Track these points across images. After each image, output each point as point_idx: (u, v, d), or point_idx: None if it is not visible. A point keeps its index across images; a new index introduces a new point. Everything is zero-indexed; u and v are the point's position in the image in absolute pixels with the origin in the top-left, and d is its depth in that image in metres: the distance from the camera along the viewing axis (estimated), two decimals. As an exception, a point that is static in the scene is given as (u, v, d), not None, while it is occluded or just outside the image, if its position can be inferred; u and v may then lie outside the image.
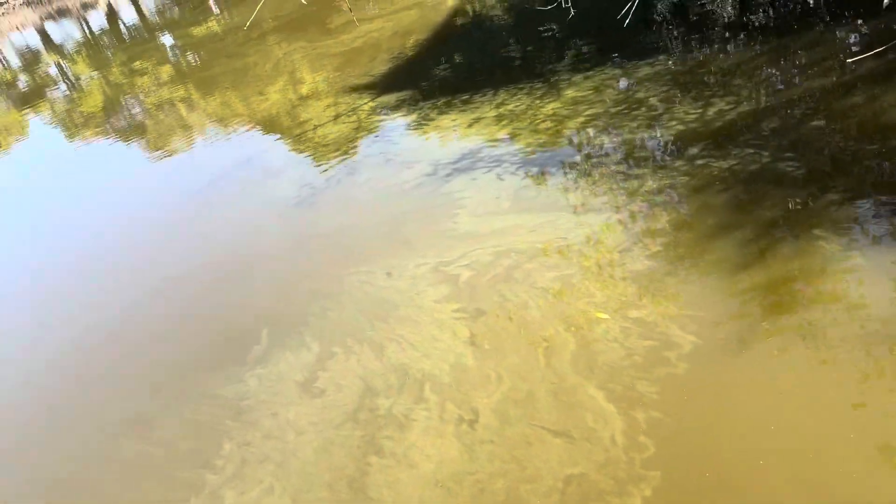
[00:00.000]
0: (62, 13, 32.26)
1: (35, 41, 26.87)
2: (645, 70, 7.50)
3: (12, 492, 4.64)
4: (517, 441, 3.76)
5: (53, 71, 20.59)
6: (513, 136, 7.02)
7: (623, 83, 7.35)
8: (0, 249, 8.68)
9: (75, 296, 6.82)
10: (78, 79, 18.17)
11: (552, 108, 7.33)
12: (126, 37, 22.67)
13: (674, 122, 6.31)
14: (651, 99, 6.84)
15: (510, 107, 7.70)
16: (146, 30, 22.66)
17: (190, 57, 16.48)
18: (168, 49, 18.45)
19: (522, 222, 5.56)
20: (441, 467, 3.76)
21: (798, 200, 4.92)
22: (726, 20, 8.47)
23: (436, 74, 9.66)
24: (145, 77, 15.47)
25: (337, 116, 9.16)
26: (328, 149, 8.29)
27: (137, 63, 17.07)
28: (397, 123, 8.36)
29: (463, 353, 4.47)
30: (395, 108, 8.79)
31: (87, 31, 26.27)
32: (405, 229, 6.01)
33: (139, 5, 28.04)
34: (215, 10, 21.62)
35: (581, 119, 6.91)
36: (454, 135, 7.52)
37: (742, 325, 4.02)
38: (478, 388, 4.17)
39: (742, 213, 4.96)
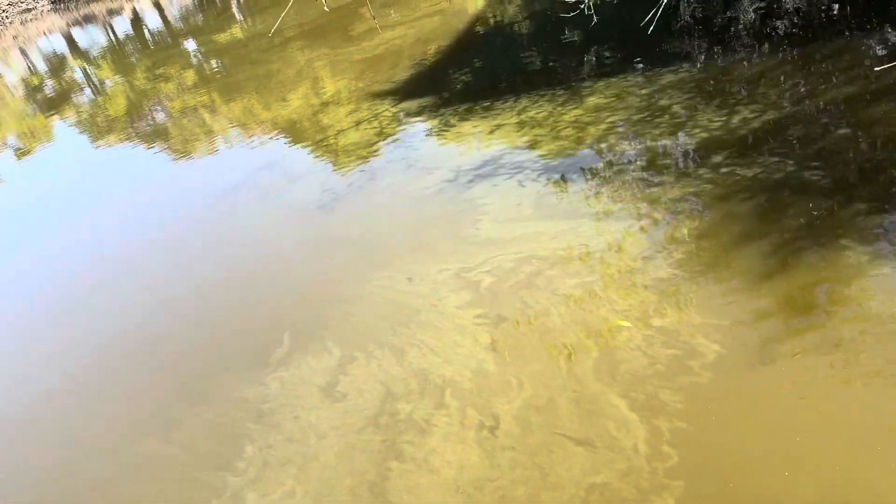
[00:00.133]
0: (88, 19, 32.77)
1: (61, 46, 27.30)
2: (668, 77, 7.48)
3: (35, 490, 4.70)
4: (539, 448, 3.74)
5: (79, 76, 20.90)
6: (534, 143, 7.02)
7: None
8: (28, 251, 8.80)
9: (99, 298, 6.90)
10: (103, 83, 18.42)
11: (574, 115, 7.32)
12: (150, 43, 22.96)
13: (697, 130, 6.28)
14: (674, 106, 6.82)
15: (532, 113, 7.71)
16: (170, 36, 22.95)
17: (213, 63, 16.66)
18: (192, 55, 18.67)
19: (544, 229, 5.56)
20: (462, 473, 3.76)
21: (824, 210, 4.87)
22: (750, 28, 8.43)
23: (457, 81, 9.69)
24: (169, 82, 15.66)
25: (358, 122, 9.21)
26: (350, 154, 8.33)
27: (161, 69, 17.28)
28: (419, 129, 8.39)
29: (484, 359, 4.46)
30: (417, 114, 8.83)
31: (112, 37, 26.65)
32: (426, 235, 6.02)
33: (163, 12, 28.42)
34: (238, 16, 21.85)
35: (603, 126, 6.90)
36: (475, 141, 7.54)
37: (767, 335, 3.98)
38: (499, 395, 4.16)
39: (767, 221, 4.92)
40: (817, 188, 5.10)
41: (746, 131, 6.07)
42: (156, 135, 12.14)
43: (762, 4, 8.87)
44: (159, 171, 10.31)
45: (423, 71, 10.48)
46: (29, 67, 24.88)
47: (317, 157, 8.71)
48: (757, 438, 3.45)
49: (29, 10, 38.75)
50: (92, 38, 27.58)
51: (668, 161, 6.02)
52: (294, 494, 3.96)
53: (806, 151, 5.56)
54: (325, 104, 10.60)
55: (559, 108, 7.60)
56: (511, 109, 7.98)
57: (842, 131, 5.71)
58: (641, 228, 5.21)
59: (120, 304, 6.63)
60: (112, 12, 32.79)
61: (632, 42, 8.96)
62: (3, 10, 38.61)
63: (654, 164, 6.04)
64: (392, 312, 5.17)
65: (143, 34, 25.24)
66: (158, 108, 13.90)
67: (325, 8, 15.16)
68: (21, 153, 14.07)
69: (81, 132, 14.07)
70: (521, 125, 7.51)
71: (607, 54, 9.01)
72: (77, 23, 32.84)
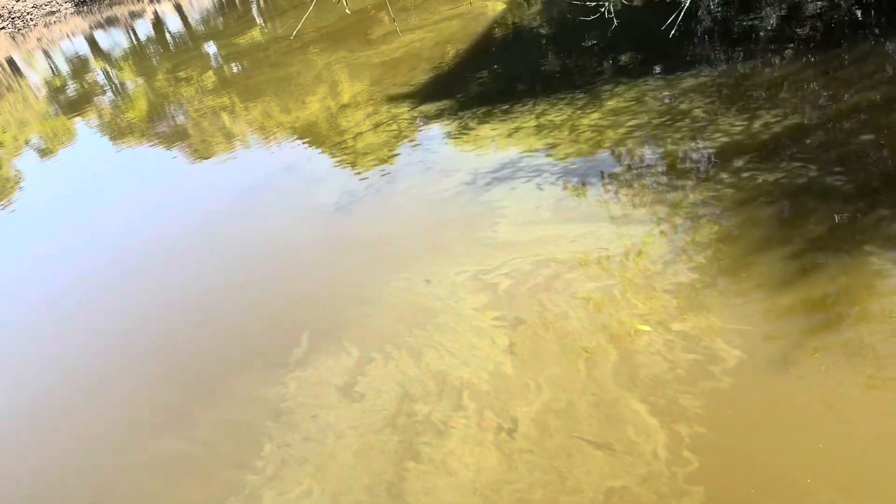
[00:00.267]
0: (111, 22, 33.16)
1: (84, 48, 27.64)
2: (689, 81, 7.44)
3: (55, 487, 4.74)
4: (557, 452, 3.73)
5: (101, 78, 21.14)
6: (553, 146, 7.00)
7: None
8: (52, 248, 8.90)
9: (118, 297, 6.97)
10: (124, 85, 18.63)
11: (594, 119, 7.30)
12: (171, 45, 23.19)
13: (718, 134, 6.24)
14: (695, 110, 6.78)
15: (550, 117, 7.69)
16: (191, 38, 23.16)
17: (233, 66, 16.79)
18: (212, 58, 18.83)
19: (563, 232, 5.54)
20: (479, 475, 3.75)
21: (846, 215, 4.82)
22: (772, 32, 8.37)
23: (476, 84, 9.69)
24: (189, 85, 15.81)
25: (377, 125, 9.24)
26: (368, 157, 8.36)
27: (182, 71, 17.44)
28: (437, 133, 8.40)
29: (502, 361, 4.45)
30: (435, 117, 8.84)
31: (133, 40, 26.95)
32: (444, 237, 6.03)
33: (184, 15, 28.69)
34: (258, 20, 22.01)
35: (623, 130, 6.87)
36: (493, 144, 7.53)
37: (789, 341, 3.94)
38: (517, 398, 4.15)
39: (788, 226, 4.88)
40: (840, 193, 5.04)
41: (768, 136, 6.02)
42: (175, 136, 12.26)
43: (783, 8, 8.80)
44: (179, 173, 10.41)
45: (442, 74, 10.50)
46: (52, 69, 25.21)
47: (335, 159, 8.74)
48: (779, 445, 3.41)
49: (53, 13, 39.28)
50: (114, 40, 27.90)
51: (688, 165, 5.99)
52: (311, 493, 3.97)
53: (828, 156, 5.51)
54: (343, 107, 10.65)
55: (578, 112, 7.59)
56: (530, 113, 7.98)
57: (865, 137, 5.65)
58: (662, 232, 5.18)
59: (139, 303, 6.69)
60: (134, 15, 33.16)
61: (652, 46, 8.92)
62: (28, 13, 39.18)
63: (674, 168, 6.01)
64: (410, 314, 5.18)
65: (164, 37, 25.50)
66: (178, 110, 14.03)
67: (347, 10, 15.23)
68: (44, 153, 14.25)
69: (102, 133, 14.23)
70: (539, 128, 7.50)
71: (627, 58, 8.98)
72: (99, 25, 33.24)
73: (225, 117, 12.36)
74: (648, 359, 4.09)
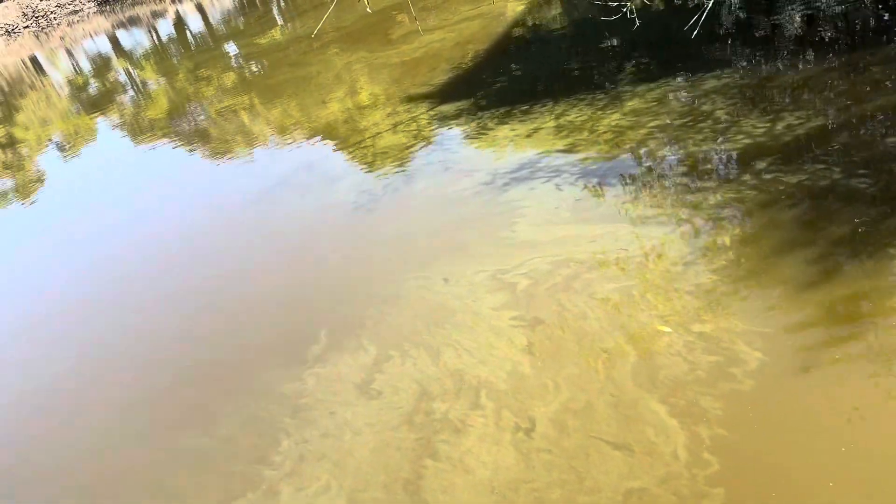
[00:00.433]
0: (133, 21, 33.51)
1: (106, 48, 27.95)
2: (711, 82, 7.38)
3: (78, 480, 4.80)
4: (575, 452, 3.71)
5: (122, 77, 21.36)
6: (573, 147, 6.98)
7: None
8: (74, 245, 9.01)
9: (138, 293, 7.03)
10: (145, 84, 18.81)
11: (614, 119, 7.27)
12: (192, 45, 23.39)
13: (741, 136, 6.18)
14: (717, 112, 6.73)
15: (570, 117, 7.67)
16: (212, 38, 23.35)
17: (254, 65, 16.90)
18: (232, 57, 18.97)
19: (582, 232, 5.52)
20: (497, 474, 3.75)
21: (870, 218, 4.76)
22: (795, 34, 8.29)
23: (495, 85, 9.69)
24: (210, 84, 15.93)
25: (396, 125, 9.26)
26: (387, 156, 8.38)
27: (203, 70, 17.58)
28: (456, 133, 8.41)
29: (520, 361, 4.44)
30: (454, 117, 8.84)
31: (155, 39, 27.22)
32: (463, 236, 6.02)
33: (206, 15, 28.93)
34: (279, 20, 22.15)
35: (644, 131, 6.84)
36: (513, 145, 7.52)
37: (811, 344, 3.90)
38: (535, 397, 4.14)
39: (811, 229, 4.83)
40: (864, 196, 4.98)
41: (791, 138, 5.96)
42: (196, 135, 12.36)
43: (807, 10, 8.72)
44: (198, 171, 10.49)
45: (462, 74, 10.50)
46: (74, 68, 25.51)
47: (354, 158, 8.77)
48: (800, 448, 3.37)
49: (76, 12, 39.77)
50: (136, 39, 28.19)
51: (709, 167, 5.95)
52: (329, 489, 3.98)
53: (853, 159, 5.44)
54: (363, 107, 10.68)
55: (598, 113, 7.56)
56: (549, 113, 7.96)
57: (890, 139, 5.58)
58: (682, 234, 5.14)
59: (159, 299, 6.75)
60: (156, 14, 33.48)
61: (674, 47, 8.87)
62: (52, 12, 39.68)
63: (695, 169, 5.97)
64: (428, 312, 5.18)
65: (186, 36, 25.72)
66: (199, 109, 14.14)
67: (368, 9, 15.28)
68: (66, 151, 14.42)
69: (123, 132, 14.38)
70: (559, 129, 7.48)
71: (648, 59, 8.94)
72: (121, 24, 33.60)
73: (245, 116, 12.44)
74: (668, 360, 4.06)
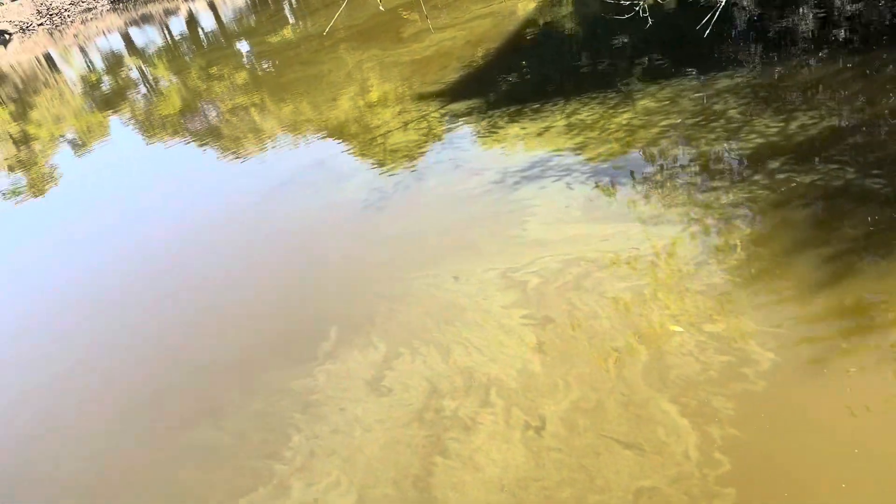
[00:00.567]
0: (146, 19, 33.68)
1: (119, 45, 28.10)
2: (723, 82, 7.35)
3: (91, 475, 4.82)
4: (586, 451, 3.71)
5: (135, 74, 21.46)
6: (583, 146, 6.96)
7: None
8: (85, 242, 9.07)
9: (149, 287, 7.07)
10: (157, 82, 18.90)
11: (625, 118, 7.25)
12: (204, 43, 23.48)
13: (753, 135, 6.15)
14: (730, 111, 6.69)
15: (581, 116, 7.65)
16: (224, 36, 23.43)
17: (265, 63, 16.95)
18: (244, 55, 19.03)
19: (593, 231, 5.51)
20: (507, 472, 3.74)
21: (884, 218, 4.73)
22: (808, 34, 8.24)
23: (506, 83, 9.68)
24: (222, 82, 15.99)
25: (407, 123, 9.26)
26: (398, 154, 8.39)
27: (214, 68, 17.64)
28: (466, 131, 8.40)
29: (530, 359, 4.44)
30: (465, 115, 8.84)
31: (167, 37, 27.34)
32: (473, 235, 6.02)
33: (218, 13, 29.04)
34: (290, 18, 22.20)
35: (655, 130, 6.81)
36: (523, 143, 7.51)
37: (823, 344, 3.88)
38: (545, 396, 4.13)
39: (824, 229, 4.80)
40: (877, 196, 4.95)
41: (804, 138, 5.92)
42: (207, 133, 12.41)
43: (820, 9, 8.66)
44: (210, 167, 10.53)
45: (472, 73, 10.49)
46: (87, 65, 25.66)
47: (365, 156, 8.78)
48: (812, 449, 3.36)
49: (89, 10, 40.00)
50: (148, 37, 28.33)
51: (722, 166, 5.92)
52: (339, 485, 3.99)
53: (866, 159, 5.41)
54: (373, 105, 10.69)
55: (610, 112, 7.54)
56: (560, 112, 7.94)
57: (905, 139, 5.54)
58: (694, 233, 5.12)
59: (170, 296, 6.78)
60: (168, 12, 33.63)
61: (686, 46, 8.84)
62: (66, 10, 39.94)
63: (707, 168, 5.94)
64: (438, 310, 5.18)
65: (198, 35, 25.82)
66: (210, 107, 14.20)
67: (381, 7, 15.29)
68: (78, 148, 14.51)
69: (135, 129, 14.45)
70: (570, 128, 7.46)
71: (660, 58, 8.90)
72: (134, 22, 33.77)
73: (256, 114, 12.48)
74: (680, 360, 4.05)
